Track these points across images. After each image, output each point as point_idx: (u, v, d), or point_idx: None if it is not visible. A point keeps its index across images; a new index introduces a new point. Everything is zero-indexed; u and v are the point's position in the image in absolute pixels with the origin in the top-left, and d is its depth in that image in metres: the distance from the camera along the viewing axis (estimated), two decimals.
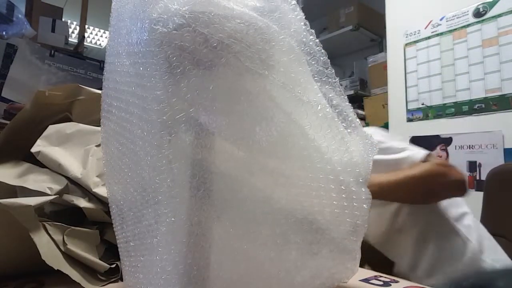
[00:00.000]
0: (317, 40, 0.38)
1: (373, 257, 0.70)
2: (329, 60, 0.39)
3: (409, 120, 1.61)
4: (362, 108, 2.14)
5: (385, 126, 1.74)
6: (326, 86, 0.40)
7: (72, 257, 0.44)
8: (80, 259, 0.45)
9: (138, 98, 0.33)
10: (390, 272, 0.77)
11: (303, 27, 0.38)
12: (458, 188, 0.75)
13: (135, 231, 0.36)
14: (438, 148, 1.48)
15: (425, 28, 1.59)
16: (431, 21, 1.57)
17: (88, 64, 1.81)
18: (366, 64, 2.24)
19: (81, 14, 2.14)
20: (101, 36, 3.92)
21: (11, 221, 0.41)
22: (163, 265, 0.30)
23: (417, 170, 0.72)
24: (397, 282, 0.49)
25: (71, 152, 0.59)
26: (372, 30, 2.37)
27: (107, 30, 0.57)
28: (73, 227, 0.47)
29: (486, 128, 1.34)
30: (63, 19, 2.02)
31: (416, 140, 1.54)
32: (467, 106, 1.41)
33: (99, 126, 0.45)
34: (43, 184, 0.52)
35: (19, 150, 0.61)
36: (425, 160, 0.75)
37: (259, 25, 0.32)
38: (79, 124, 0.64)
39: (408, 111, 1.62)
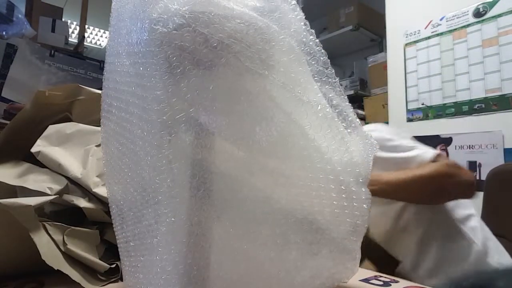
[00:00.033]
0: (317, 40, 0.38)
1: (377, 255, 0.69)
2: (329, 60, 0.39)
3: (409, 120, 1.61)
4: (362, 108, 2.14)
5: None
6: (326, 86, 0.40)
7: (72, 257, 0.44)
8: (80, 259, 0.45)
9: (138, 98, 0.33)
10: (393, 270, 0.77)
11: (303, 27, 0.38)
12: (466, 190, 0.74)
13: (135, 231, 0.36)
14: (438, 148, 1.48)
15: (425, 28, 1.59)
16: (431, 21, 1.57)
17: (88, 64, 1.81)
18: (366, 64, 2.24)
19: (81, 14, 2.14)
20: (101, 36, 3.92)
21: (11, 221, 0.41)
22: (163, 265, 0.30)
23: (426, 169, 0.71)
24: (397, 282, 0.49)
25: (71, 152, 0.59)
26: (372, 30, 2.37)
27: (107, 30, 0.57)
28: (73, 227, 0.47)
29: (486, 128, 1.34)
30: (63, 19, 2.02)
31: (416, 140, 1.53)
32: (467, 106, 1.41)
33: (99, 126, 0.45)
34: (43, 184, 0.52)
35: (19, 150, 0.61)
36: (435, 160, 0.74)
37: (259, 25, 0.32)
38: (79, 124, 0.64)
39: (408, 111, 1.62)
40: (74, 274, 0.42)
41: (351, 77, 2.41)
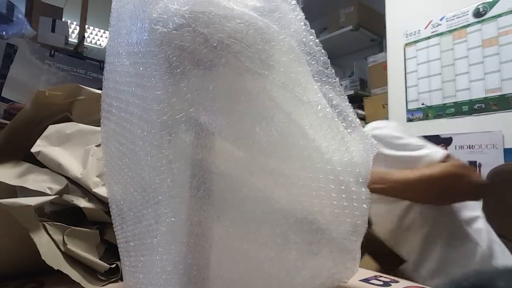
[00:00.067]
0: (317, 40, 0.38)
1: (381, 252, 0.68)
2: (329, 60, 0.39)
3: (409, 120, 1.61)
4: (362, 108, 2.14)
5: None
6: (326, 86, 0.40)
7: (72, 257, 0.44)
8: (80, 259, 0.45)
9: (138, 98, 0.33)
10: (396, 269, 0.77)
11: (303, 27, 0.38)
12: (475, 192, 0.72)
13: (135, 231, 0.36)
14: None
15: (425, 28, 1.59)
16: (431, 21, 1.57)
17: (88, 64, 1.81)
18: (366, 64, 2.24)
19: (81, 14, 2.14)
20: (101, 36, 3.92)
21: (11, 221, 0.41)
22: (163, 265, 0.30)
23: (435, 169, 0.70)
24: (397, 282, 0.49)
25: (71, 152, 0.59)
26: (372, 30, 2.37)
27: (107, 30, 0.57)
28: (73, 227, 0.47)
29: (486, 128, 1.34)
30: (63, 19, 2.02)
31: None
32: (467, 106, 1.41)
33: (99, 126, 0.45)
34: (43, 184, 0.52)
35: (19, 150, 0.61)
36: (444, 160, 0.72)
37: (259, 25, 0.32)
38: (79, 124, 0.64)
39: (408, 111, 1.62)
40: (74, 274, 0.42)
41: (351, 77, 2.41)
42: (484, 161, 1.34)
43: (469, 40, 1.43)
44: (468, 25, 1.44)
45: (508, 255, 0.75)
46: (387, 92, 1.74)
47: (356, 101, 2.16)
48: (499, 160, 1.29)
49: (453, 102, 1.46)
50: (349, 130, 0.40)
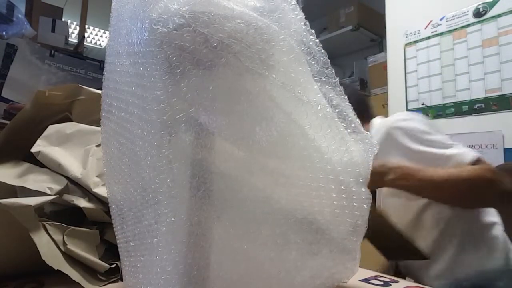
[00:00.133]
0: (317, 40, 0.38)
1: (396, 244, 0.65)
2: (329, 60, 0.39)
3: None
4: None
5: None
6: (326, 86, 0.40)
7: (72, 257, 0.44)
8: (80, 259, 0.45)
9: (138, 98, 0.33)
10: (409, 259, 0.74)
11: (303, 27, 0.38)
12: (505, 200, 0.68)
13: (135, 231, 0.36)
14: None
15: (425, 28, 1.59)
16: (431, 21, 1.57)
17: (88, 64, 1.81)
18: (366, 64, 2.24)
19: (81, 14, 2.14)
20: (101, 36, 3.92)
21: (11, 221, 0.41)
22: (163, 265, 0.30)
23: (464, 172, 0.66)
24: (397, 282, 0.49)
25: (71, 152, 0.59)
26: (372, 30, 2.37)
27: (107, 30, 0.57)
28: (73, 227, 0.47)
29: (486, 128, 1.34)
30: (63, 19, 2.02)
31: None
32: (467, 106, 1.41)
33: (99, 126, 0.45)
34: (43, 184, 0.52)
35: (19, 150, 0.61)
36: (474, 163, 0.68)
37: (259, 25, 0.32)
38: (79, 124, 0.64)
39: (408, 111, 1.62)
40: (74, 274, 0.41)
41: (351, 77, 2.41)
42: None
43: (469, 40, 1.43)
44: (468, 25, 1.44)
45: None
46: (387, 92, 1.74)
47: None
48: (499, 160, 1.29)
49: (453, 102, 1.46)
50: (349, 130, 0.40)
